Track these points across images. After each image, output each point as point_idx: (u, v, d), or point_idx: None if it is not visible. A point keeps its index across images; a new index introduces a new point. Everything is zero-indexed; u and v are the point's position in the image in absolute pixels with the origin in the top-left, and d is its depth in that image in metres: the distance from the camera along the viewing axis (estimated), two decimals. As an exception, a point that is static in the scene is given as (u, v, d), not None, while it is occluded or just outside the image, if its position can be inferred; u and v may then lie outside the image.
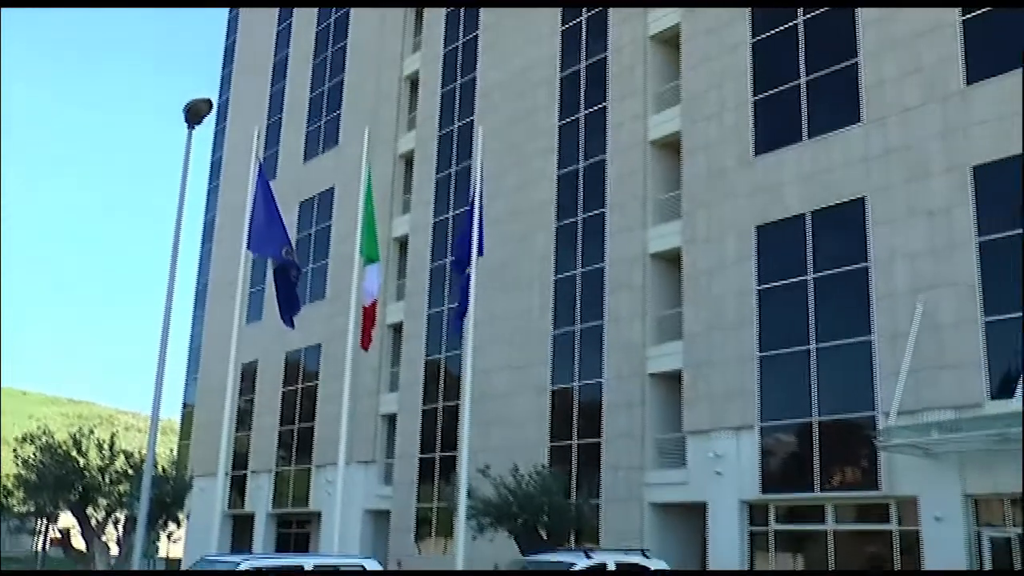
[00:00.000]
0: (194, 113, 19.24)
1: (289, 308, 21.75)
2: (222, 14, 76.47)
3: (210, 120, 55.38)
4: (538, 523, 26.00)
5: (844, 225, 27.69)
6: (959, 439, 23.25)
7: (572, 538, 28.60)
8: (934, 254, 25.61)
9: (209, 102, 19.43)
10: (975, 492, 24.19)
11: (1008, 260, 24.08)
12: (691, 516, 30.68)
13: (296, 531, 48.16)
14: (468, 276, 22.86)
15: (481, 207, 23.51)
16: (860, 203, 27.47)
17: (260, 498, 49.23)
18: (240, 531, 50.77)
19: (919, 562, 24.80)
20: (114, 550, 20.03)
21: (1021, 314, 23.15)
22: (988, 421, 22.43)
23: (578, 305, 35.10)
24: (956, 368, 24.53)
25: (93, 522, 19.67)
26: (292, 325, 22.07)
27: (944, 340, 24.83)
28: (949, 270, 25.21)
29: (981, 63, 25.60)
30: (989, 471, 23.73)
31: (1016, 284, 23.61)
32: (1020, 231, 23.88)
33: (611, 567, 17.13)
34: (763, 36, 30.98)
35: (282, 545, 48.11)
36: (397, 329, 43.98)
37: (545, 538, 25.95)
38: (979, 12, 25.79)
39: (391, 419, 43.12)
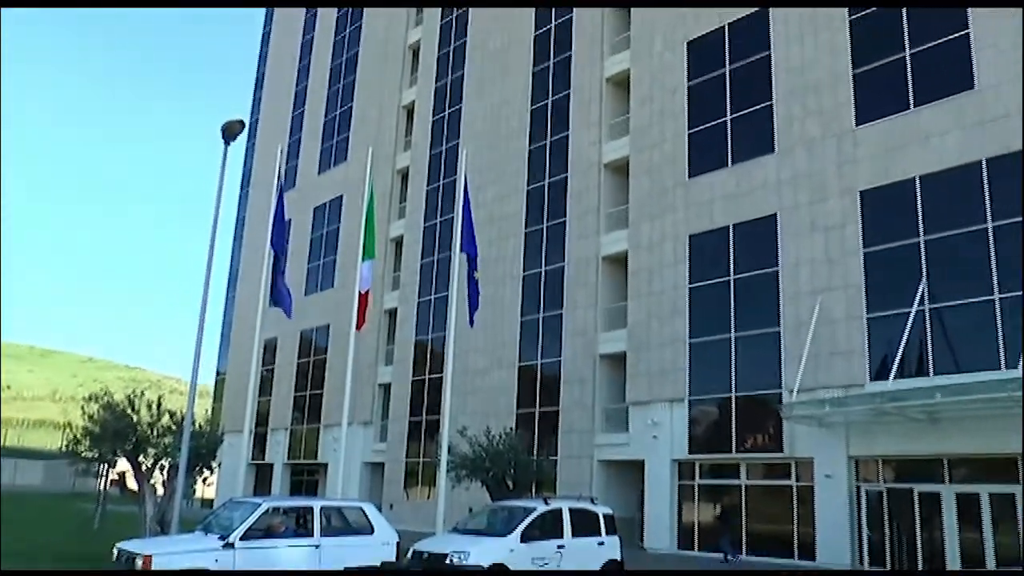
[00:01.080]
0: (229, 131, 19.48)
1: (275, 299, 21.87)
2: (256, 49, 76.03)
3: (243, 137, 55.46)
4: (506, 475, 26.11)
5: (759, 236, 28.23)
6: (845, 412, 23.88)
7: (534, 488, 28.93)
8: (830, 262, 26.24)
9: (242, 122, 19.68)
10: (856, 454, 24.93)
11: (887, 267, 24.86)
12: (632, 471, 31.30)
13: (307, 479, 48.41)
14: (472, 278, 22.91)
15: (469, 217, 23.71)
16: (772, 219, 28.04)
17: (278, 451, 49.43)
18: (261, 478, 50.98)
19: (813, 510, 25.52)
20: (160, 491, 20.34)
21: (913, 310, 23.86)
22: (868, 398, 23.04)
23: (542, 297, 35.58)
24: (845, 355, 25.20)
25: (144, 468, 19.91)
26: (282, 309, 21.99)
27: (836, 332, 25.51)
28: (841, 275, 25.84)
29: (868, 108, 26.32)
30: (868, 438, 24.53)
31: (893, 286, 24.43)
32: (898, 244, 24.68)
33: (565, 511, 17.38)
34: (697, 81, 31.54)
35: (295, 490, 48.35)
36: (392, 314, 44.27)
37: (511, 488, 26.18)
38: (867, 67, 26.52)
39: (386, 388, 43.47)
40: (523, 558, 15.84)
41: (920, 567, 23.07)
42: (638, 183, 32.73)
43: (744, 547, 27.02)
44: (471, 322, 22.54)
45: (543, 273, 35.80)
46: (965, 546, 22.52)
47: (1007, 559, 21.59)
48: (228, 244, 63.23)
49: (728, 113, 30.16)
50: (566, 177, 35.82)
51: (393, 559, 15.19)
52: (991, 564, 21.74)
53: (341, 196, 49.20)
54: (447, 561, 15.41)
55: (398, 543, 15.46)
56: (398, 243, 45.39)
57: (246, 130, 39.01)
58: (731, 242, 29.02)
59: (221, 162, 19.81)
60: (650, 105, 33.04)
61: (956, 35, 24.71)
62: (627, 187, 33.38)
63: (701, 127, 30.98)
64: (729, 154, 29.81)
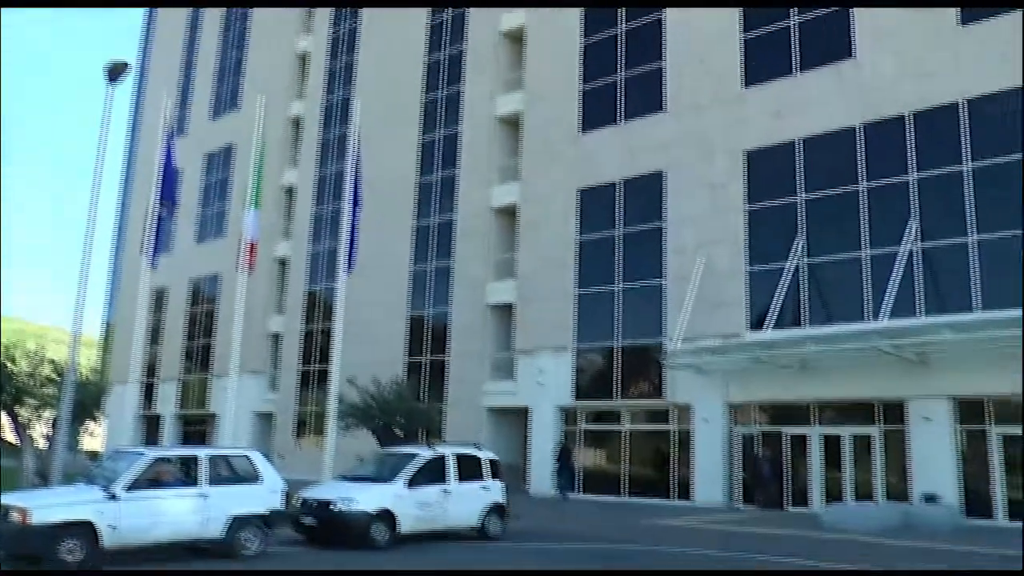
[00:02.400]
0: (114, 71, 18.32)
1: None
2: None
3: (131, 85, 52.64)
4: (394, 424, 25.88)
5: (647, 192, 28.21)
6: (724, 360, 24.32)
7: (423, 435, 28.66)
8: (714, 218, 26.45)
9: (127, 63, 18.52)
10: (733, 400, 25.43)
11: (767, 225, 25.24)
12: (518, 418, 31.15)
13: (196, 429, 46.82)
14: (354, 227, 22.40)
15: (358, 168, 23.01)
16: (660, 176, 28.07)
17: (167, 401, 47.67)
18: (151, 429, 49.10)
19: (691, 453, 25.97)
20: (41, 443, 19.11)
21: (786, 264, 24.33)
22: (746, 347, 23.48)
23: (433, 248, 34.99)
24: (725, 306, 25.53)
25: (23, 419, 18.73)
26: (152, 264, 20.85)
27: (718, 284, 25.78)
28: (724, 231, 26.10)
29: (755, 72, 26.52)
30: (744, 384, 25.03)
31: (773, 242, 24.84)
32: (779, 202, 25.07)
33: (450, 456, 17.19)
34: (591, 39, 31.12)
35: (185, 441, 46.74)
36: (283, 263, 42.97)
37: (401, 436, 25.95)
38: (756, 33, 26.67)
39: (277, 337, 42.28)
40: (409, 503, 15.61)
41: (788, 505, 23.80)
42: (530, 137, 32.31)
43: (626, 489, 27.41)
44: (349, 267, 22.00)
45: (434, 224, 35.15)
46: (828, 484, 23.47)
47: (863, 495, 22.64)
48: (117, 191, 60.35)
49: (620, 71, 29.92)
50: (459, 129, 35.11)
51: (280, 507, 14.64)
52: (850, 498, 22.70)
53: (233, 144, 47.16)
54: (333, 508, 15.03)
55: (285, 491, 14.92)
56: (290, 192, 43.91)
57: (135, 75, 36.84)
58: (619, 197, 28.95)
59: (105, 103, 18.55)
60: (545, 61, 32.50)
61: (838, 7, 25.11)
62: (519, 140, 32.93)
63: (594, 84, 30.65)
64: (620, 111, 29.63)
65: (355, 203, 22.21)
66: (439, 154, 35.77)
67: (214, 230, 46.86)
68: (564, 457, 27.62)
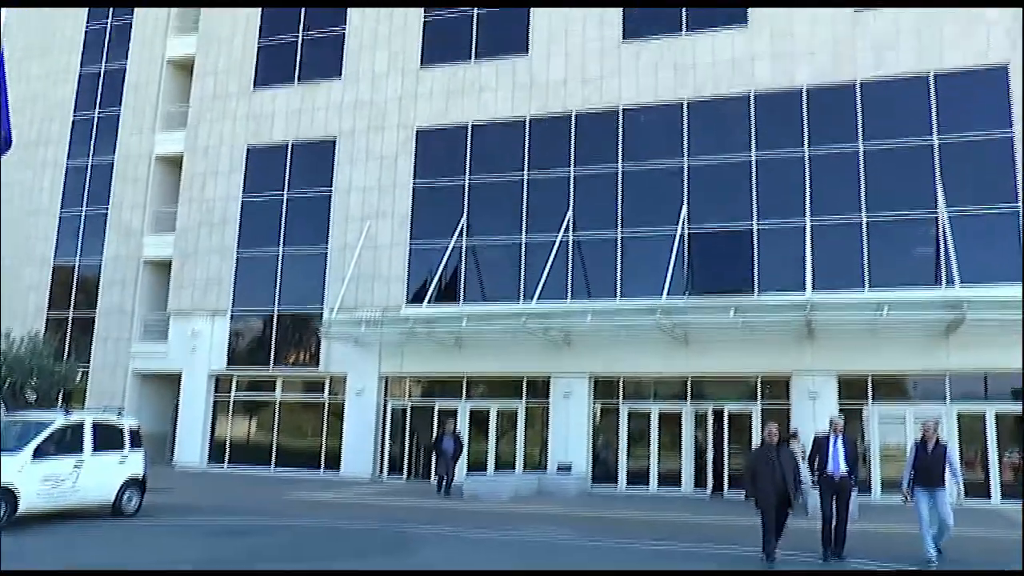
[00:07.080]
0: None
1: None
2: None
3: None
4: (27, 385, 22.07)
5: (317, 157, 25.79)
6: (380, 332, 22.61)
7: (61, 400, 24.73)
8: (381, 190, 24.68)
9: None
10: (387, 372, 23.84)
11: (433, 202, 24.01)
12: (168, 384, 27.33)
13: None
14: None
15: (5, 87, 18.82)
16: (332, 143, 25.80)
17: None
18: None
19: (343, 424, 24.11)
20: None
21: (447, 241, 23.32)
22: (402, 321, 21.94)
23: (86, 190, 30.00)
24: (386, 279, 23.88)
25: None
26: None
27: (380, 257, 24.08)
28: (390, 204, 24.43)
29: (433, 52, 25.20)
30: (398, 357, 23.54)
31: (437, 220, 23.82)
32: (446, 181, 24.05)
33: (88, 424, 14.47)
34: (273, -7, 28.05)
35: None
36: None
37: (34, 400, 22.13)
38: (435, 16, 25.40)
39: None
40: (33, 477, 12.69)
41: (433, 476, 22.99)
42: (202, 84, 28.26)
43: (276, 461, 25.04)
44: None
45: (89, 165, 30.13)
46: (473, 455, 22.65)
47: (506, 465, 22.32)
48: None
49: (301, 31, 27.08)
50: (125, 65, 30.25)
51: None
52: (491, 468, 22.20)
53: None
54: (-62, 484, 11.82)
55: None
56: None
57: None
58: (288, 159, 26.22)
59: None
60: (224, 9, 28.56)
61: (515, 6, 24.55)
62: (190, 86, 28.81)
63: (273, 40, 27.47)
64: (297, 72, 26.84)
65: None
66: (101, 89, 30.83)
67: None
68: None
